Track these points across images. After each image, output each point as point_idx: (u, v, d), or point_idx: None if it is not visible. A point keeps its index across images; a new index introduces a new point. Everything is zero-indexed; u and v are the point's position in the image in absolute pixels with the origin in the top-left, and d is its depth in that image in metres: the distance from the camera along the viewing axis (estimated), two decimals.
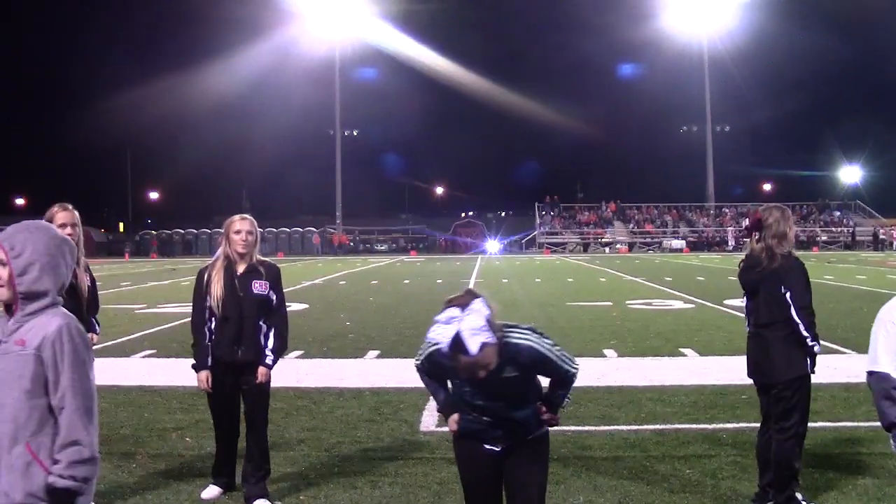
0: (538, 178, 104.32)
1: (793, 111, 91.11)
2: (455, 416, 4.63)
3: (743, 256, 6.79)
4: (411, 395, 10.44)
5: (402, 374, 12.15)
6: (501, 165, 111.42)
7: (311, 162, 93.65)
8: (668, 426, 8.99)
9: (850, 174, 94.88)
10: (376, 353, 14.53)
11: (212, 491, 6.85)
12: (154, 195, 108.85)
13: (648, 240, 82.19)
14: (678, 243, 78.12)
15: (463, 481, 4.78)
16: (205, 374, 6.66)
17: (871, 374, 4.28)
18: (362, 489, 7.07)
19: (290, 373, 12.72)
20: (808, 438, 6.58)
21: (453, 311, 4.13)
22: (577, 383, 4.70)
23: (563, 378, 4.60)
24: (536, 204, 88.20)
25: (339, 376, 12.27)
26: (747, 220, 6.79)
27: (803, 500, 6.28)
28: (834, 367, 11.68)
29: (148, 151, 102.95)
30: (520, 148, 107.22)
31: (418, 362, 4.67)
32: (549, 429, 4.74)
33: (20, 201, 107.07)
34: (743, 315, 6.91)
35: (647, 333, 16.18)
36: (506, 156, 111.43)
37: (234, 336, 6.59)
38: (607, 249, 78.40)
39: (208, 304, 6.61)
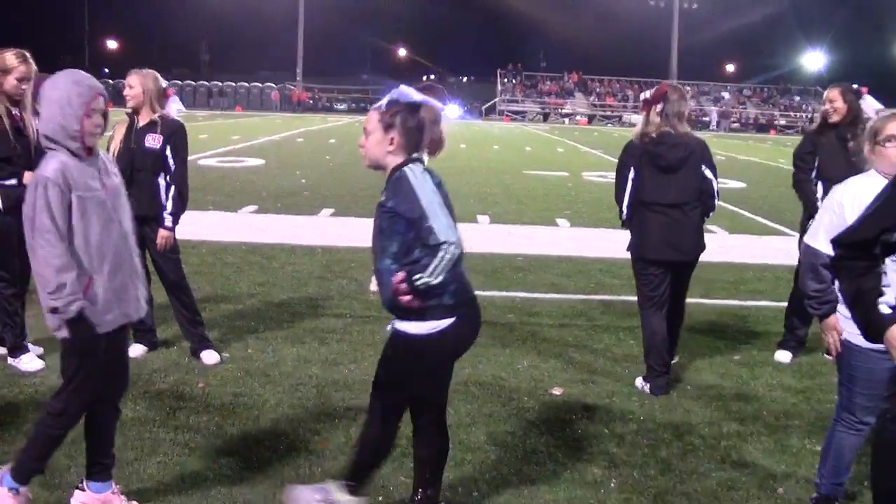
0: (501, 46, 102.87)
1: None
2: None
3: (642, 130, 6.87)
4: (362, 254, 10.44)
5: (355, 232, 12.18)
6: (465, 31, 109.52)
7: (274, 17, 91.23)
8: (616, 297, 9.14)
9: (814, 60, 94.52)
10: (330, 211, 14.53)
11: (136, 349, 6.74)
12: (112, 44, 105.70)
13: (609, 113, 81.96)
14: (638, 118, 77.91)
15: None
16: None
17: (807, 245, 4.43)
18: (310, 344, 7.15)
19: (242, 228, 12.71)
20: (749, 315, 6.74)
21: None
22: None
23: (421, 235, 3.72)
24: (498, 71, 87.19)
25: (292, 233, 12.27)
26: (649, 92, 6.93)
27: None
28: (779, 249, 11.88)
29: None
30: (484, 14, 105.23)
31: None
32: (410, 331, 3.88)
33: None
34: None
35: (601, 205, 16.25)
36: (470, 21, 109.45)
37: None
38: (567, 120, 78.18)
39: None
